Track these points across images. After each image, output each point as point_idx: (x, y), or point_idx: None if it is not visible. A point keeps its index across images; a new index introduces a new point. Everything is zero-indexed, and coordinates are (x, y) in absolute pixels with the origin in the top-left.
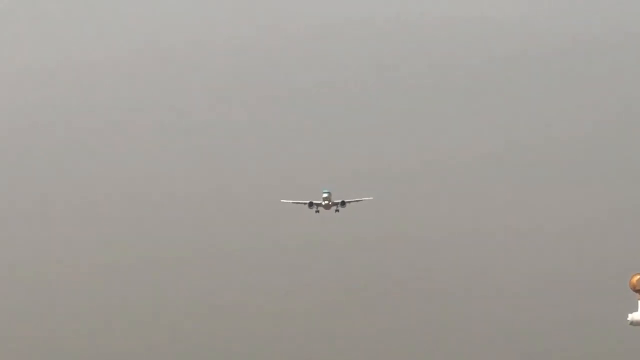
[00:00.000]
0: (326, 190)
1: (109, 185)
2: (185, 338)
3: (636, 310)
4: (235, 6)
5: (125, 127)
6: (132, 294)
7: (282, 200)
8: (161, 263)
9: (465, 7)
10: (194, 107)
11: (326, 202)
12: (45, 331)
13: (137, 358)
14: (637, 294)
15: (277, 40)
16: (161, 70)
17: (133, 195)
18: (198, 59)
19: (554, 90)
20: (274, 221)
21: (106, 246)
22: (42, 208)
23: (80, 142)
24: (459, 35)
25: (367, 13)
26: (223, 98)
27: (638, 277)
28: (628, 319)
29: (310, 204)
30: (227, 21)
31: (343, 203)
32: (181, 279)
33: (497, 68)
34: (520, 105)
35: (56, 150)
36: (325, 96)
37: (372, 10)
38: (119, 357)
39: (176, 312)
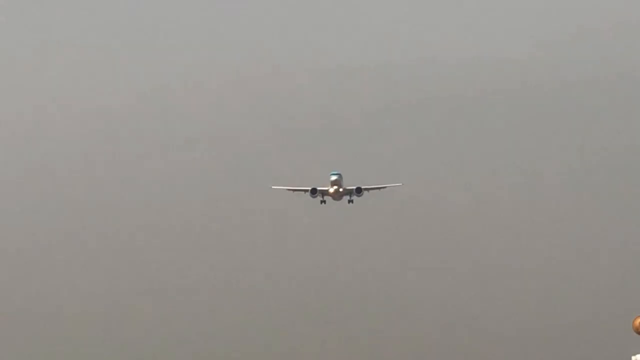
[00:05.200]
0: (335, 173)
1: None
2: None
3: None
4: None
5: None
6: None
7: (273, 187)
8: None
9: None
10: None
11: (335, 187)
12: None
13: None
14: None
15: None
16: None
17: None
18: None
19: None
20: (261, 213)
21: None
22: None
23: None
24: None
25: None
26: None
27: None
28: None
29: (314, 191)
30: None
31: (359, 190)
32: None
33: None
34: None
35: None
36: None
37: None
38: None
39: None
